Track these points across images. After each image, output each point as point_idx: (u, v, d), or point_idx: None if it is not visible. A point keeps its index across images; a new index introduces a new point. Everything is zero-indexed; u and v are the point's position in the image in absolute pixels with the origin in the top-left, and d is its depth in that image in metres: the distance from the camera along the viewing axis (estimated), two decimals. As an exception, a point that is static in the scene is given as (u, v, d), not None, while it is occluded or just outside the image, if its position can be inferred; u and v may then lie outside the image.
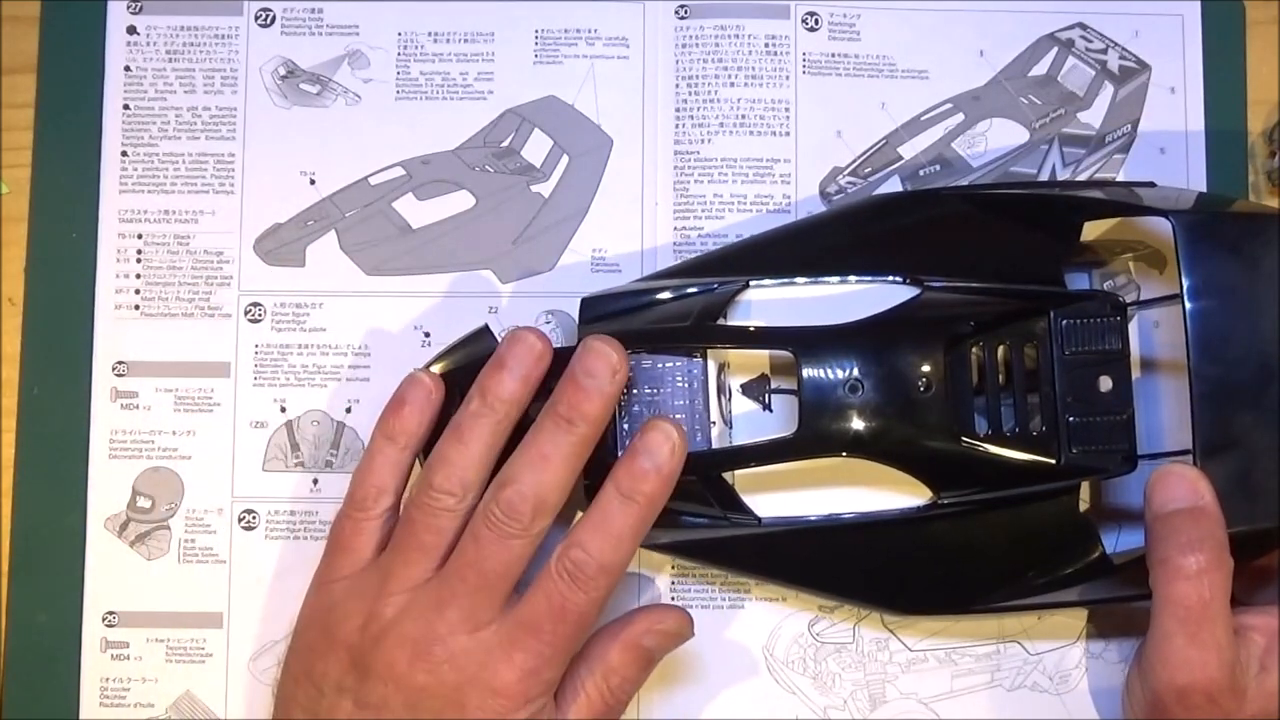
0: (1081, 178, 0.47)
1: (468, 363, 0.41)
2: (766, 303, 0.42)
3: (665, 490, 0.38)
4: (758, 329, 0.41)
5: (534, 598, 0.38)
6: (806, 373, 0.40)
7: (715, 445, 0.41)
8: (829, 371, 0.40)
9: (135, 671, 0.45)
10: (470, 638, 0.38)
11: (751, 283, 0.42)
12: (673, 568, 0.45)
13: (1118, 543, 0.44)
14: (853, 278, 0.41)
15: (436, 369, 0.41)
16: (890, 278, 0.41)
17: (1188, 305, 0.39)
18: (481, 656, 0.37)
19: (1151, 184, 0.44)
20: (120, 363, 0.46)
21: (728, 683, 0.45)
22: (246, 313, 0.46)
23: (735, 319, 0.42)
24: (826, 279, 0.42)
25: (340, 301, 0.46)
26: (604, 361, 0.38)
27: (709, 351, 0.41)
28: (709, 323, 0.41)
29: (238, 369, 0.46)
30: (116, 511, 0.45)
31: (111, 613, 0.45)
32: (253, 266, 0.46)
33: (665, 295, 0.42)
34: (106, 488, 0.45)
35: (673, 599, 0.45)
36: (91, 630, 0.45)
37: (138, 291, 0.46)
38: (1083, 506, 0.44)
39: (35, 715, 0.45)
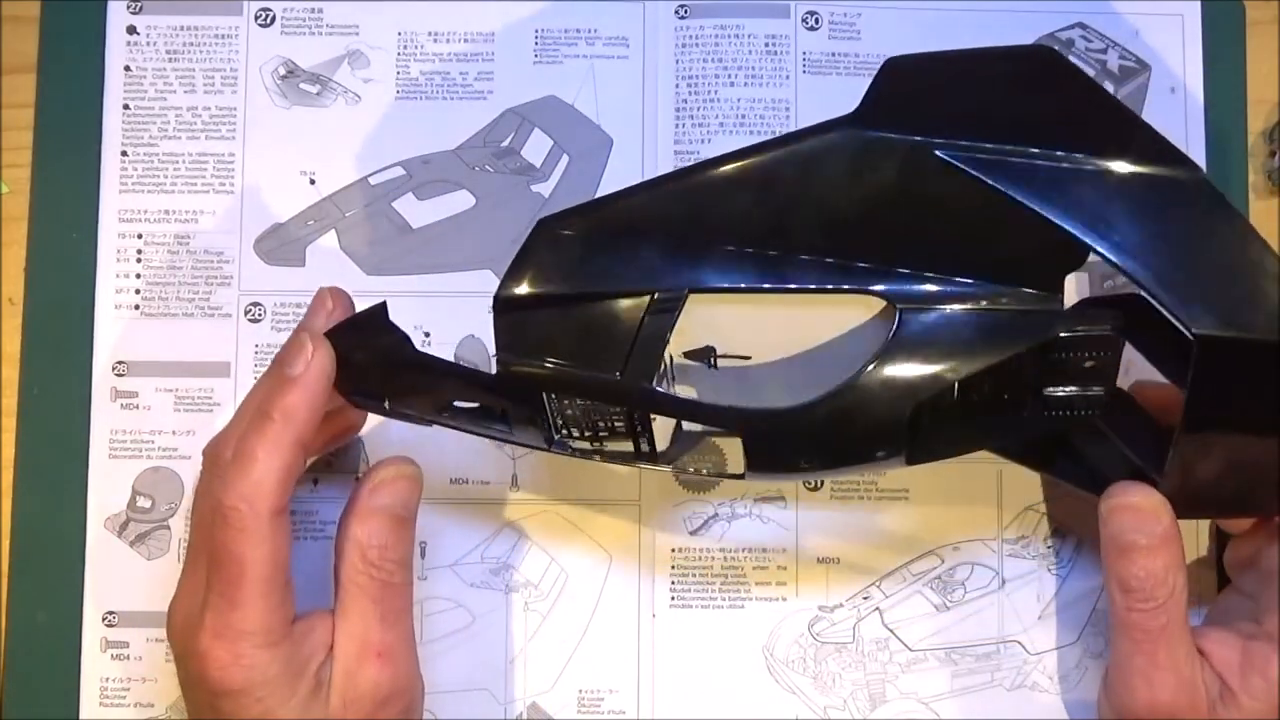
0: None
1: (374, 352, 0.38)
2: (711, 321, 0.39)
3: (293, 395, 0.36)
4: (702, 407, 0.38)
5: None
6: (754, 453, 0.37)
7: (658, 432, 0.39)
8: (780, 451, 0.37)
9: (135, 671, 0.45)
10: (184, 618, 0.37)
11: (692, 292, 0.37)
12: (673, 567, 0.45)
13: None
14: (814, 291, 0.37)
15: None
16: (862, 296, 0.37)
17: (1183, 423, 0.36)
18: (193, 636, 0.37)
19: (1197, 171, 0.37)
20: (120, 363, 0.46)
21: (728, 683, 0.45)
22: (246, 313, 0.46)
23: (682, 331, 0.38)
24: (783, 291, 0.37)
25: (340, 301, 0.46)
26: (301, 353, 0.37)
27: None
28: (647, 387, 0.36)
29: (238, 369, 0.46)
30: (116, 511, 0.45)
31: (111, 613, 0.45)
32: (253, 266, 0.46)
33: (592, 306, 0.37)
34: (106, 488, 0.45)
35: (672, 599, 0.45)
36: (91, 630, 0.45)
37: (138, 291, 0.46)
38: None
39: (35, 715, 0.45)
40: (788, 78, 0.47)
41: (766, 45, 0.47)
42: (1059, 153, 0.36)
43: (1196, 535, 0.46)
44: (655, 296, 0.37)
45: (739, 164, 0.37)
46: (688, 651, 0.45)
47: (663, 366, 0.39)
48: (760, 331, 0.39)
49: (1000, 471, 0.46)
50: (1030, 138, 0.36)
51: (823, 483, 0.45)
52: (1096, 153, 0.36)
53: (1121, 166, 0.36)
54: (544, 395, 0.37)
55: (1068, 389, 0.38)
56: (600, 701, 0.45)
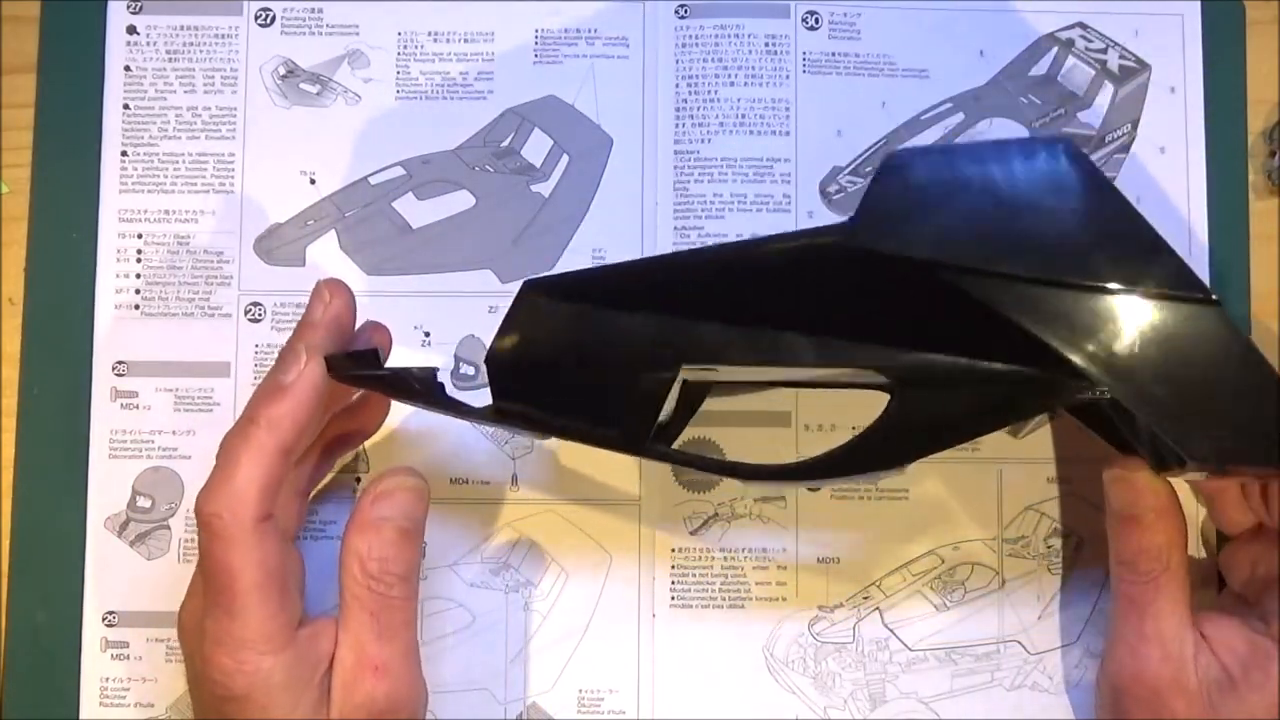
0: None
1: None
2: (704, 381, 0.38)
3: (281, 405, 0.36)
4: (703, 461, 0.38)
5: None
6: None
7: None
8: (779, 489, 0.39)
9: (135, 671, 0.45)
10: (191, 621, 0.38)
11: (686, 366, 0.36)
12: (673, 567, 0.45)
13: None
14: (814, 382, 0.37)
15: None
16: (861, 383, 0.37)
17: None
18: (199, 640, 0.37)
19: (1211, 300, 0.35)
20: (120, 363, 0.46)
21: (728, 683, 0.45)
22: (246, 313, 0.46)
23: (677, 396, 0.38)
24: (777, 358, 0.36)
25: (340, 301, 0.46)
26: (294, 364, 0.37)
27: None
28: (646, 444, 0.36)
29: (238, 369, 0.46)
30: (116, 511, 0.45)
31: (111, 613, 0.45)
32: (253, 266, 0.46)
33: (585, 381, 0.36)
34: (106, 488, 0.45)
35: (672, 599, 0.45)
36: (91, 630, 0.45)
37: (138, 291, 0.46)
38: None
39: (35, 715, 0.45)
40: (788, 78, 0.47)
41: (766, 45, 0.47)
42: (1062, 277, 0.34)
43: (1197, 536, 0.46)
44: (647, 373, 0.36)
45: (731, 251, 0.37)
46: (688, 651, 0.45)
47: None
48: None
49: (1000, 471, 0.46)
50: (1034, 257, 0.35)
51: (823, 483, 0.46)
52: (1103, 275, 0.35)
53: (1129, 292, 0.35)
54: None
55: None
56: (600, 701, 0.45)
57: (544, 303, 0.36)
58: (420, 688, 0.39)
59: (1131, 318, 0.35)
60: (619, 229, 0.46)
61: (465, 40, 0.47)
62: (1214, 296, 0.34)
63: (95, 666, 0.45)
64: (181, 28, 0.47)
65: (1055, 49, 0.48)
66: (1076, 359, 0.34)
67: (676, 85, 0.47)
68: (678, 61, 0.47)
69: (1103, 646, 0.41)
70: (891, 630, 0.45)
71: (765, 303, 0.36)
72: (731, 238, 0.46)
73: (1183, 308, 0.34)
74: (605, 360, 0.36)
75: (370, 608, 0.37)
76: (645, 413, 0.36)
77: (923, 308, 0.35)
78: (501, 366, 0.37)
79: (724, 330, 0.36)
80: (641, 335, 0.36)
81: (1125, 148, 0.47)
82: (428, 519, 0.45)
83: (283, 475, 0.37)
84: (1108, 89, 0.47)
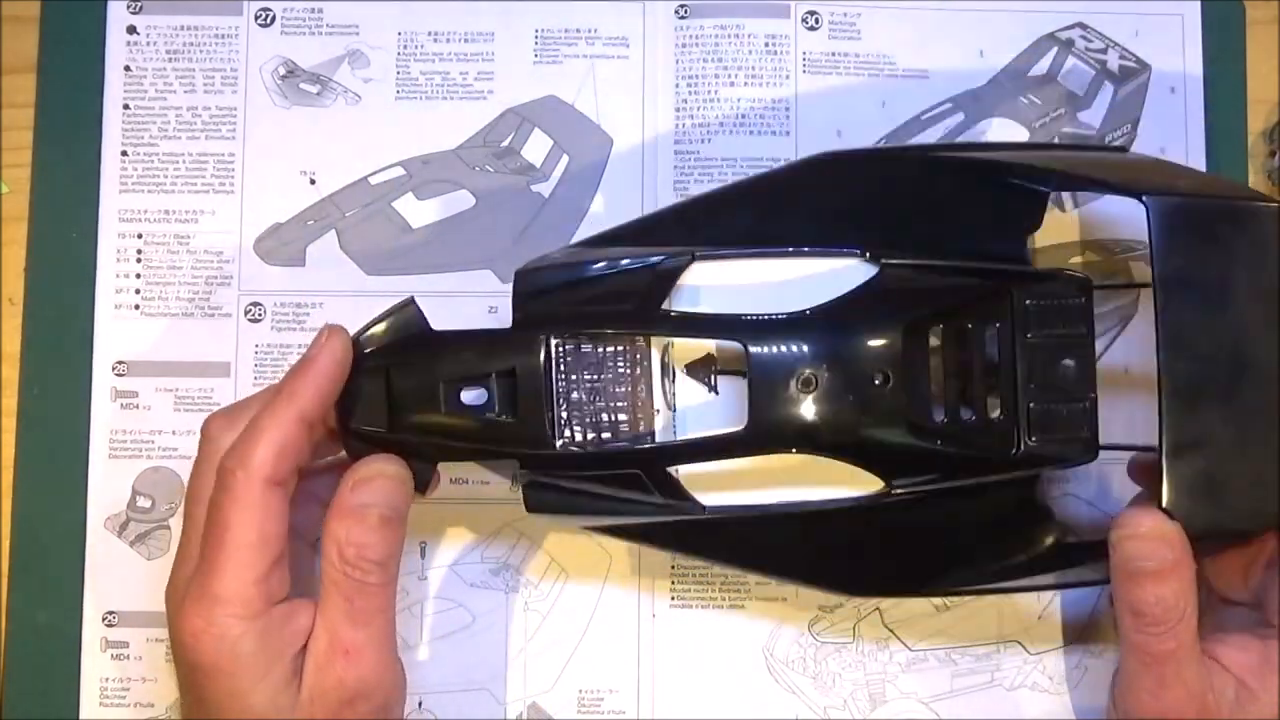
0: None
1: (392, 339, 0.39)
2: (713, 283, 0.39)
3: (304, 377, 0.38)
4: (706, 316, 0.39)
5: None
6: (757, 366, 0.37)
7: (659, 435, 0.39)
8: (780, 364, 0.37)
9: (135, 671, 0.45)
10: (172, 590, 0.38)
11: (697, 255, 0.39)
12: (673, 567, 0.45)
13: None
14: (807, 252, 0.39)
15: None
16: (846, 253, 0.39)
17: (1159, 298, 0.36)
18: (177, 599, 0.37)
19: (1122, 149, 0.43)
20: (120, 363, 0.46)
21: (728, 683, 0.45)
22: (246, 313, 0.46)
23: (680, 301, 0.39)
24: (778, 253, 0.39)
25: (340, 301, 0.46)
26: (316, 340, 0.38)
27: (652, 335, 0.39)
28: (654, 308, 0.38)
29: (238, 369, 0.46)
30: (116, 511, 0.45)
31: (111, 613, 0.45)
32: (253, 266, 0.46)
33: (605, 268, 0.39)
34: (106, 488, 0.45)
35: (672, 599, 0.45)
36: (91, 630, 0.45)
37: (138, 291, 0.46)
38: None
39: (35, 715, 0.45)
40: (788, 78, 0.47)
41: (766, 45, 0.47)
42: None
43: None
44: (660, 261, 0.39)
45: (729, 185, 0.42)
46: (688, 651, 0.45)
47: (667, 372, 0.39)
48: (755, 297, 0.39)
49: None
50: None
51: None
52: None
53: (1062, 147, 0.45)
54: (552, 372, 0.38)
55: (1049, 401, 0.39)
56: (600, 701, 0.45)
57: (570, 249, 0.41)
58: (395, 674, 0.39)
59: (1062, 150, 0.44)
60: (619, 229, 0.46)
61: (465, 40, 0.47)
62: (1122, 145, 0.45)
63: (95, 666, 0.45)
64: (181, 28, 0.47)
65: (1055, 49, 0.48)
66: (1033, 162, 0.41)
67: (676, 85, 0.47)
68: (678, 61, 0.47)
69: (1115, 681, 0.40)
70: (891, 630, 0.45)
71: (763, 216, 0.41)
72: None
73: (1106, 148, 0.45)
74: (623, 267, 0.39)
75: (345, 592, 0.37)
76: (655, 293, 0.38)
77: (892, 186, 0.41)
78: (527, 279, 0.39)
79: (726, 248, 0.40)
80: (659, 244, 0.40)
81: (1125, 148, 0.47)
82: (430, 519, 0.45)
83: (300, 443, 0.37)
84: (1108, 89, 0.47)
